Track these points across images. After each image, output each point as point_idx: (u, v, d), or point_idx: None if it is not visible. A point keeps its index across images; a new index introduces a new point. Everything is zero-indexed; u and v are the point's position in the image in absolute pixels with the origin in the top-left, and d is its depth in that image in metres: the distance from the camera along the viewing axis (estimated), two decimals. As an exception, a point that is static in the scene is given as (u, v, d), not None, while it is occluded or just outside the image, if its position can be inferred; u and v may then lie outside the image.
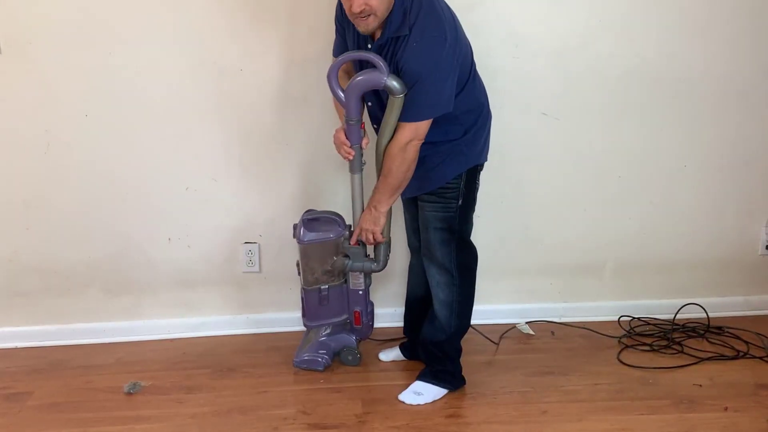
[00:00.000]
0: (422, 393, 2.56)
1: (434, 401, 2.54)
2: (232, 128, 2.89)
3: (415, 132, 2.30)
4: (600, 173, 3.04)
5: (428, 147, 2.37)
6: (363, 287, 2.70)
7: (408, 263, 2.82)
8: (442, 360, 2.60)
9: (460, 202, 2.46)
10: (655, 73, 2.94)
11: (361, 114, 2.43)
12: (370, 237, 2.53)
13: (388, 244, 2.62)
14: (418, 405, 2.52)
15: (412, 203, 2.62)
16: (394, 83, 2.25)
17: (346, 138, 2.45)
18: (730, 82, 2.98)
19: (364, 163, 2.53)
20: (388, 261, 2.65)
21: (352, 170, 2.53)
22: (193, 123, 2.88)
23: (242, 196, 2.96)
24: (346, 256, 2.64)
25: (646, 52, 2.92)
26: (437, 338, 2.58)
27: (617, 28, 2.89)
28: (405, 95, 2.26)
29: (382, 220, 2.50)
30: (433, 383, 2.58)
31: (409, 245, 2.77)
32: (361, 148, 2.48)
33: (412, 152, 2.32)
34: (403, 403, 2.53)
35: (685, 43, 2.93)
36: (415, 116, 2.28)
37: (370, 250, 2.66)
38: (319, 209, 2.74)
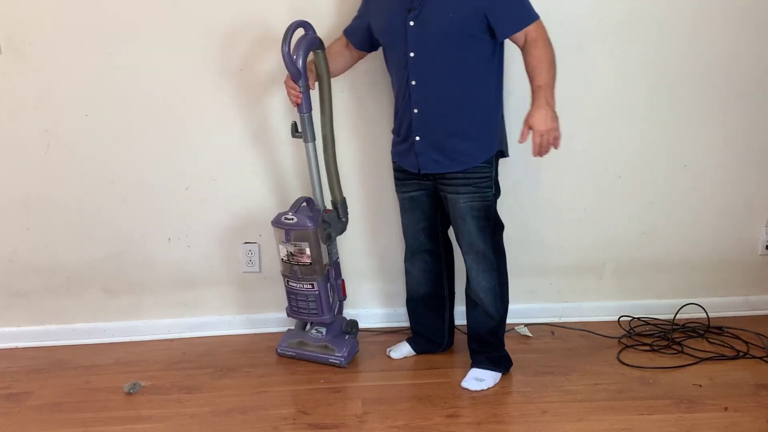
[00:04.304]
0: (484, 379, 2.61)
1: (493, 385, 2.61)
2: (232, 128, 2.89)
3: (542, 26, 2.41)
4: (600, 173, 3.04)
5: (467, 115, 2.47)
6: (338, 255, 2.81)
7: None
8: (497, 345, 2.67)
9: (493, 190, 2.55)
10: (654, 72, 2.94)
11: (308, 80, 2.57)
12: (555, 135, 2.34)
13: (345, 201, 2.75)
14: (482, 390, 2.58)
15: (426, 199, 2.64)
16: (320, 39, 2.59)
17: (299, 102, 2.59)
18: (730, 82, 2.98)
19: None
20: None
21: (305, 139, 2.64)
22: (193, 123, 2.88)
23: (242, 196, 2.97)
24: (328, 224, 2.71)
25: (645, 52, 2.92)
26: (490, 326, 2.63)
27: (617, 28, 2.89)
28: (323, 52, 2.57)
29: (557, 117, 2.37)
30: (491, 369, 2.64)
31: (413, 246, 2.76)
32: (311, 117, 2.61)
33: (549, 41, 2.42)
34: (468, 389, 2.58)
35: (685, 43, 2.93)
36: (528, 17, 2.40)
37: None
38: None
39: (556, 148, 2.38)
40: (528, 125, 2.35)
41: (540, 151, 2.36)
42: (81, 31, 2.75)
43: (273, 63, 2.82)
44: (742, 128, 3.03)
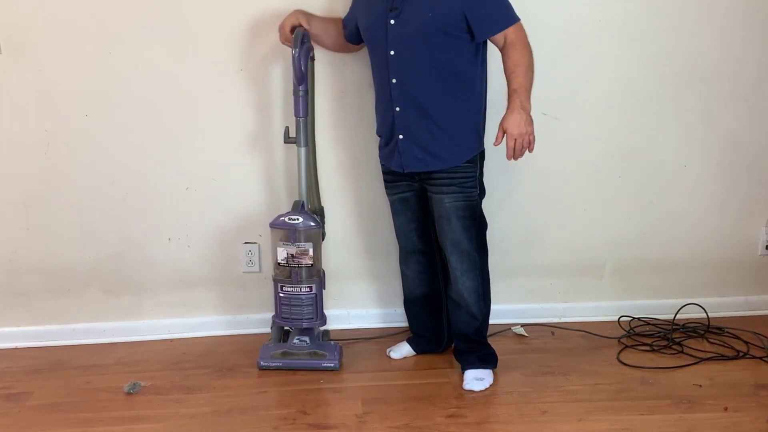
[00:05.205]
0: (483, 378, 2.63)
1: (492, 383, 2.63)
2: (232, 128, 2.89)
3: (521, 29, 2.41)
4: (600, 173, 3.04)
5: (448, 113, 2.47)
6: None
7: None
8: (484, 344, 2.69)
9: (478, 190, 2.55)
10: (655, 73, 2.94)
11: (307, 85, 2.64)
12: (528, 139, 2.36)
13: (323, 210, 2.86)
14: (485, 389, 2.59)
15: (416, 199, 2.65)
16: None
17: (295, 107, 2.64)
18: (730, 83, 2.98)
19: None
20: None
21: (299, 144, 2.67)
22: (193, 123, 2.88)
23: (242, 196, 2.97)
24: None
25: (646, 52, 2.92)
26: (474, 326, 2.65)
27: (617, 28, 2.89)
28: None
29: (531, 121, 2.39)
30: (484, 368, 2.66)
31: (406, 248, 2.77)
32: (306, 121, 2.65)
33: (528, 45, 2.41)
34: (472, 390, 2.58)
35: (686, 44, 2.93)
36: (508, 19, 2.40)
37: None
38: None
39: (530, 151, 2.40)
40: (502, 129, 2.37)
41: (514, 154, 2.38)
42: (81, 31, 2.75)
43: (273, 63, 2.82)
44: (742, 129, 3.03)
